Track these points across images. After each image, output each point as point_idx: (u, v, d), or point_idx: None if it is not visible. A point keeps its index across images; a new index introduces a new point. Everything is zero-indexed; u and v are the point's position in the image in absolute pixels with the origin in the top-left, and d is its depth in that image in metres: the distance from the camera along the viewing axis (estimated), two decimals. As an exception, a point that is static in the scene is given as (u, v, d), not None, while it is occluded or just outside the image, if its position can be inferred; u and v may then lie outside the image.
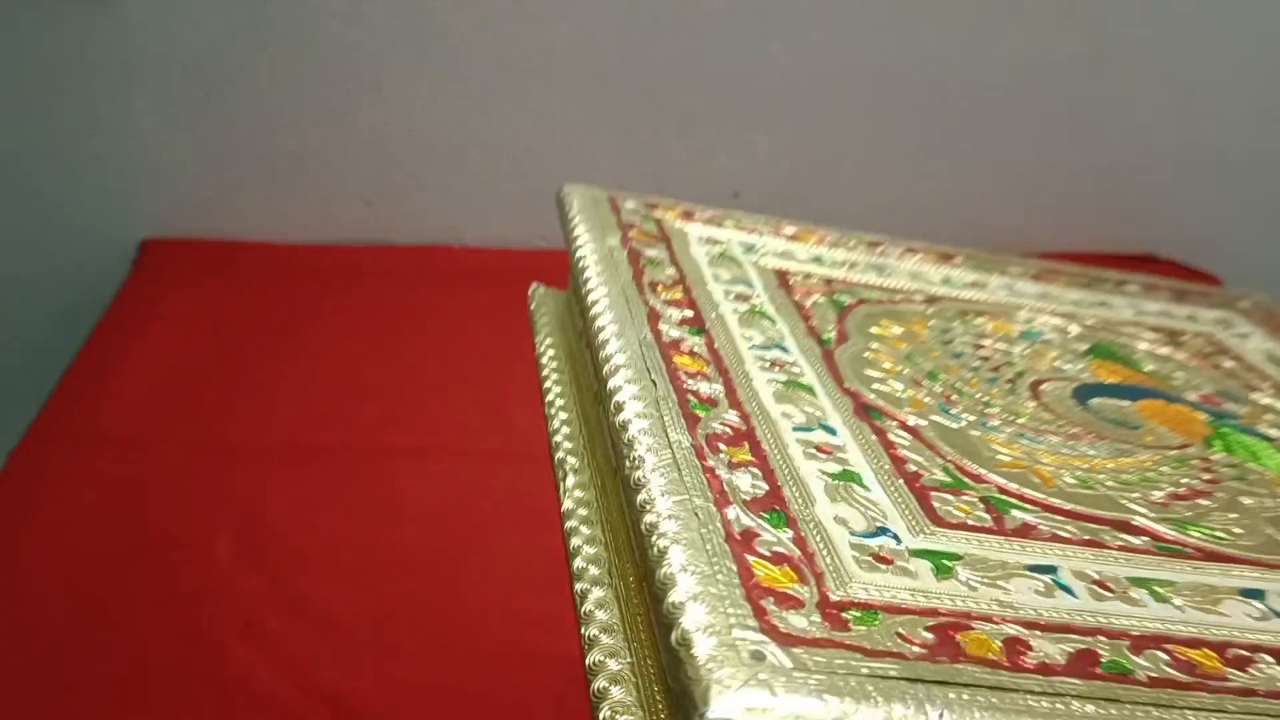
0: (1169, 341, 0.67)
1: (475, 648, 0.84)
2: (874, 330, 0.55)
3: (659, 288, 0.52)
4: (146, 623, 0.86)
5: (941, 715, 0.28)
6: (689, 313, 0.51)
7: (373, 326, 1.14)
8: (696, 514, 0.35)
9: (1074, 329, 0.63)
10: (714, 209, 0.66)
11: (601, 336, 0.47)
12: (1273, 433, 0.57)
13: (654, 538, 0.34)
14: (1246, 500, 0.47)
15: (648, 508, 0.35)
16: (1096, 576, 0.38)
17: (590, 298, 0.50)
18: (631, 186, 1.24)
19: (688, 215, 0.62)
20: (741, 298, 0.54)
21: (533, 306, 0.67)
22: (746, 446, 0.41)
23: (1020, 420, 0.50)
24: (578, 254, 0.54)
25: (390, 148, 1.19)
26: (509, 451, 1.00)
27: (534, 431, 1.06)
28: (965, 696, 0.29)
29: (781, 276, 0.58)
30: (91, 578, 0.89)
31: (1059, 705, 0.30)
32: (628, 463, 0.38)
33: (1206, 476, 0.49)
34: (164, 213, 1.24)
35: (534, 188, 1.23)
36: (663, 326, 0.49)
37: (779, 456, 0.41)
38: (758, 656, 0.29)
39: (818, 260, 0.62)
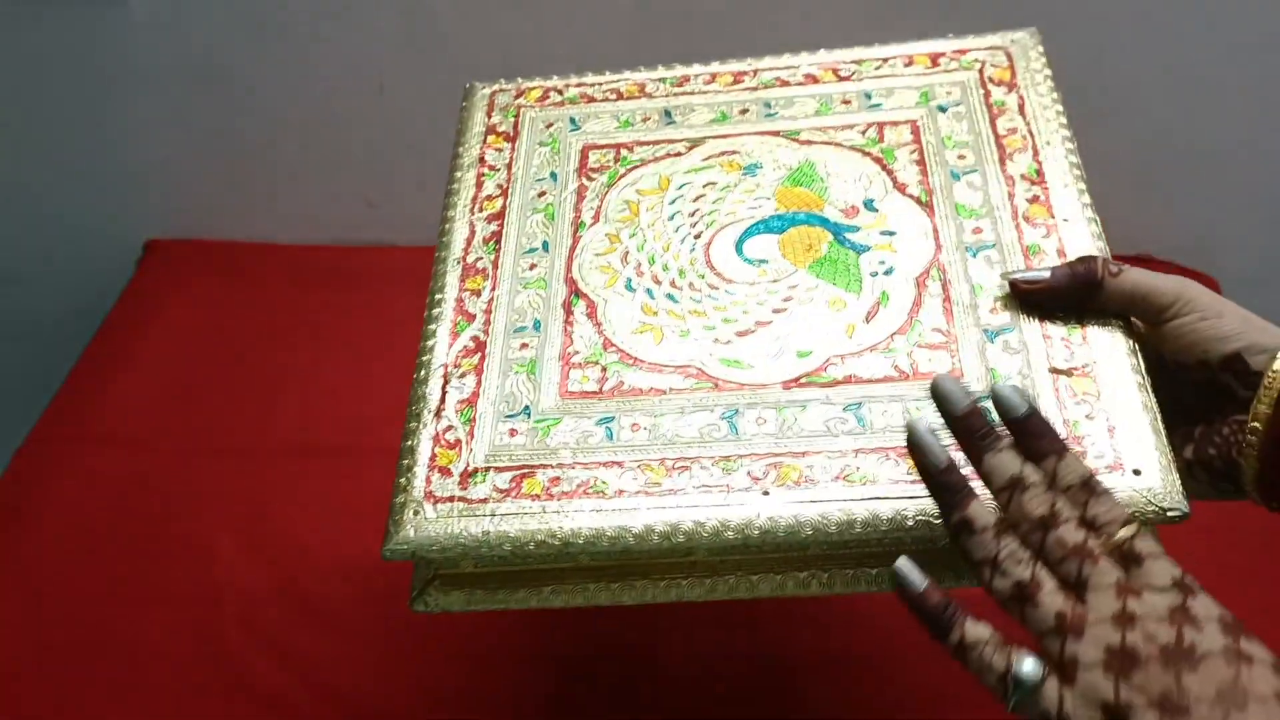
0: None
1: (475, 645, 0.85)
2: (627, 199, 0.62)
3: (484, 203, 0.64)
4: (149, 621, 0.87)
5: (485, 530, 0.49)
6: (495, 227, 0.62)
7: (374, 327, 1.14)
8: (421, 420, 0.54)
9: (788, 152, 0.63)
10: (568, 78, 0.71)
11: (434, 282, 0.63)
12: (882, 241, 0.58)
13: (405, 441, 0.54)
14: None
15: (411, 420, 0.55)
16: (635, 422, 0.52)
17: (442, 227, 0.64)
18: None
19: (543, 98, 0.69)
20: (541, 195, 0.64)
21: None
22: (477, 358, 0.57)
23: (683, 281, 0.58)
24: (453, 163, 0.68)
25: (391, 148, 1.19)
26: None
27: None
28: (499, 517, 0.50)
29: (583, 156, 0.65)
30: (94, 576, 0.90)
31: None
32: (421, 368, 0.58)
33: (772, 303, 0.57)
34: (168, 213, 1.25)
35: (534, 188, 1.24)
36: (473, 248, 0.62)
37: (493, 360, 0.56)
38: (415, 511, 0.50)
39: (624, 123, 0.67)
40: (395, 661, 0.84)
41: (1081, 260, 0.52)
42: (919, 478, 0.45)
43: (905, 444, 0.46)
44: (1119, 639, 0.39)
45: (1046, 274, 0.52)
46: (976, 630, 0.42)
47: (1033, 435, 0.44)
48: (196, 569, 0.90)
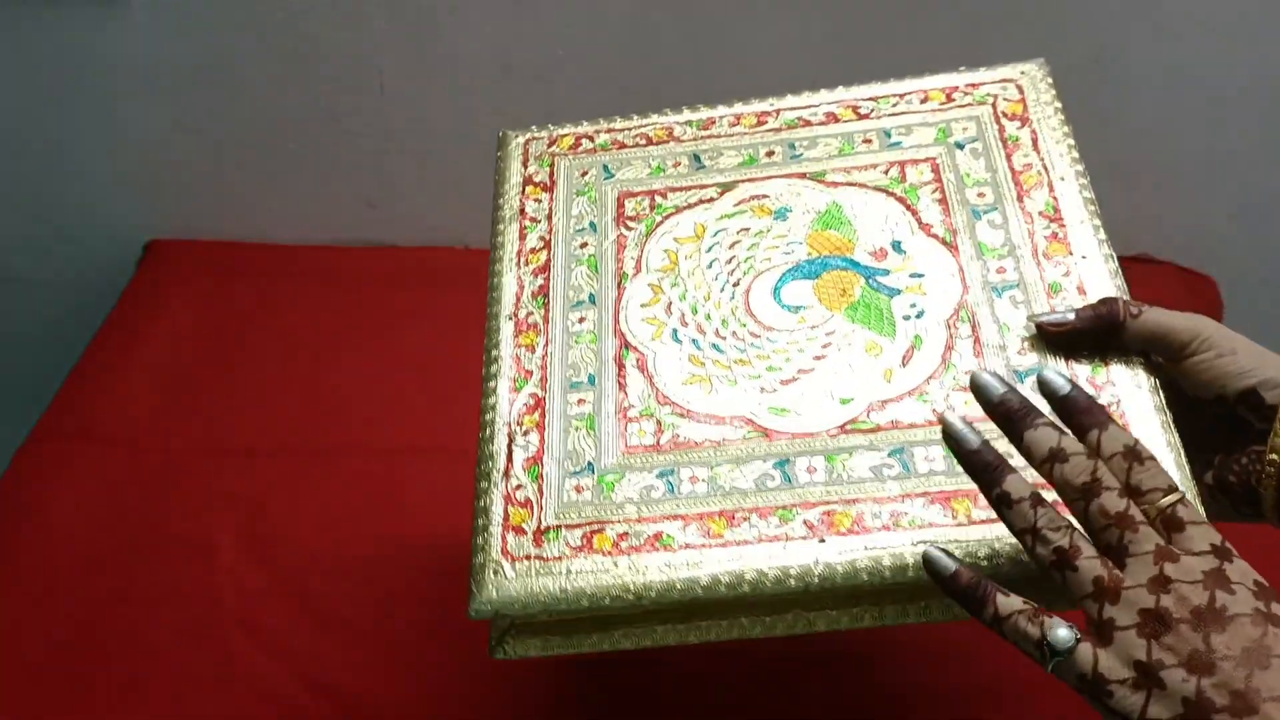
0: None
1: (475, 645, 0.85)
2: (666, 248, 0.64)
3: (529, 256, 0.66)
4: (149, 620, 0.87)
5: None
6: (541, 280, 0.64)
7: (374, 327, 1.14)
8: (492, 480, 0.56)
9: (816, 195, 0.64)
10: (598, 123, 0.72)
11: (488, 339, 0.65)
12: (911, 284, 0.59)
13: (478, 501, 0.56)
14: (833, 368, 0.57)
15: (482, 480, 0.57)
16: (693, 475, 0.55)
17: (491, 281, 0.68)
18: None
19: (575, 146, 0.70)
20: (584, 245, 0.65)
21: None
22: (537, 414, 0.58)
23: (726, 330, 0.60)
24: (495, 214, 0.72)
25: (391, 149, 1.19)
26: (509, 451, 1.01)
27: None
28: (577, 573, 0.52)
29: (620, 204, 0.66)
30: (95, 576, 0.90)
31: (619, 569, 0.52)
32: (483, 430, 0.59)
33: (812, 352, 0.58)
34: (168, 213, 1.25)
35: (534, 189, 1.23)
36: (522, 303, 0.64)
37: (553, 416, 0.58)
38: (495, 571, 0.53)
39: (656, 169, 0.68)
40: (395, 661, 0.84)
41: (1103, 302, 0.55)
42: (961, 469, 0.47)
43: (941, 436, 0.48)
44: (1154, 602, 0.40)
45: (1071, 316, 0.54)
46: (1009, 602, 0.44)
47: (1078, 411, 0.46)
48: (196, 569, 0.90)
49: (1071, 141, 0.64)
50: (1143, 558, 0.41)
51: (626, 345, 0.60)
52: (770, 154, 0.68)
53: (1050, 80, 0.67)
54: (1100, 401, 0.47)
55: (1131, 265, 1.28)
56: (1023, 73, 0.68)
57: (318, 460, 0.99)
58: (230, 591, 0.89)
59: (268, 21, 1.09)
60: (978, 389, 0.47)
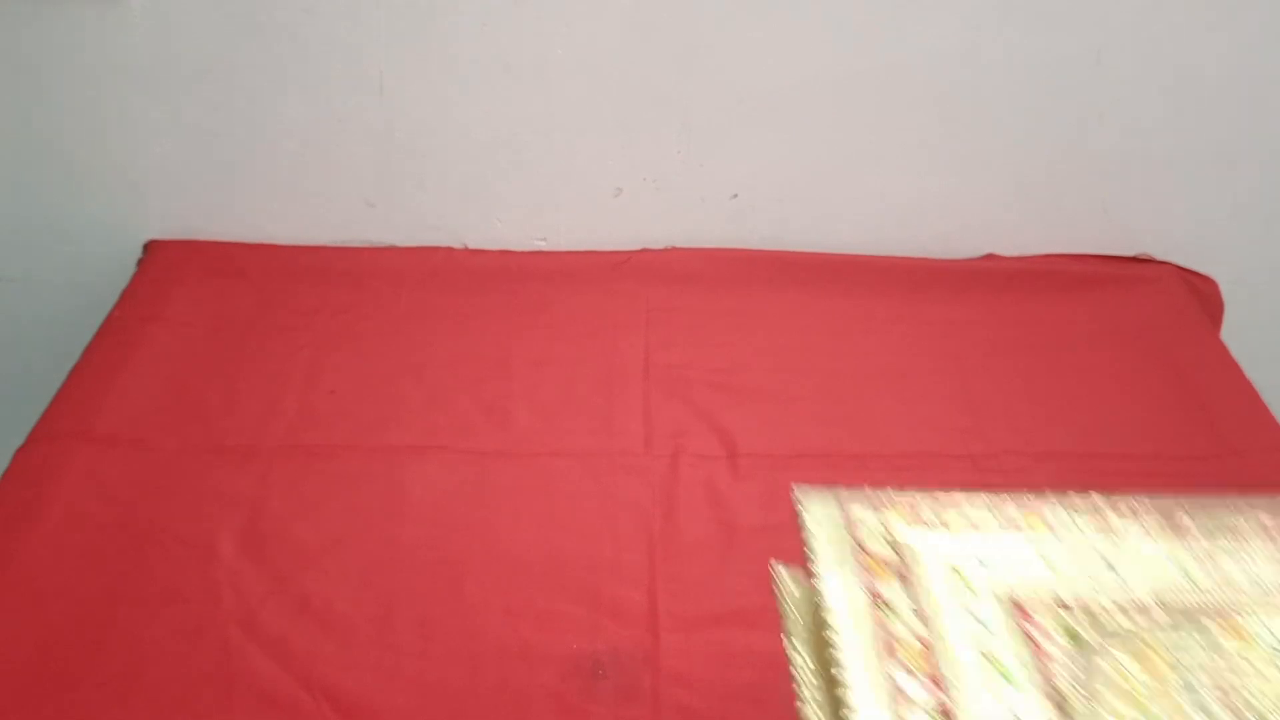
0: None
1: (475, 644, 0.84)
2: (1116, 683, 0.51)
3: (898, 649, 0.53)
4: (150, 619, 0.87)
5: None
6: (932, 698, 0.50)
7: (373, 327, 1.14)
8: None
9: None
10: (936, 500, 0.63)
11: None
12: None
13: None
14: None
15: None
16: None
17: (840, 675, 0.52)
18: (631, 188, 1.25)
19: (915, 518, 0.61)
20: (985, 655, 0.53)
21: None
22: None
23: None
24: (824, 599, 0.57)
25: (391, 149, 1.19)
26: (509, 451, 1.01)
27: (534, 431, 1.08)
28: None
29: (1019, 610, 0.56)
30: (95, 575, 0.90)
31: None
32: None
33: None
34: (168, 214, 1.25)
35: (534, 188, 1.23)
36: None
37: None
38: None
39: (1049, 565, 0.59)
40: (395, 661, 0.84)
41: None
42: None
43: None
44: None
45: None
46: None
47: None
48: (196, 566, 0.90)
49: None
50: None
51: None
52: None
53: None
54: None
55: (1132, 265, 1.28)
56: None
57: (318, 460, 0.99)
58: (230, 589, 0.88)
59: (268, 23, 1.09)
60: None
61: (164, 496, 0.96)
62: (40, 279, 1.29)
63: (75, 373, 1.08)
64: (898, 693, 0.51)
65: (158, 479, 0.97)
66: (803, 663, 0.59)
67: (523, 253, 1.26)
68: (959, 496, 0.64)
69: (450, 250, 1.26)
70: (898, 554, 0.60)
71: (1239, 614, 0.54)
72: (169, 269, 1.21)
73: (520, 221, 1.26)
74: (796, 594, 0.64)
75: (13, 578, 0.90)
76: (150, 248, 1.25)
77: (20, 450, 1.00)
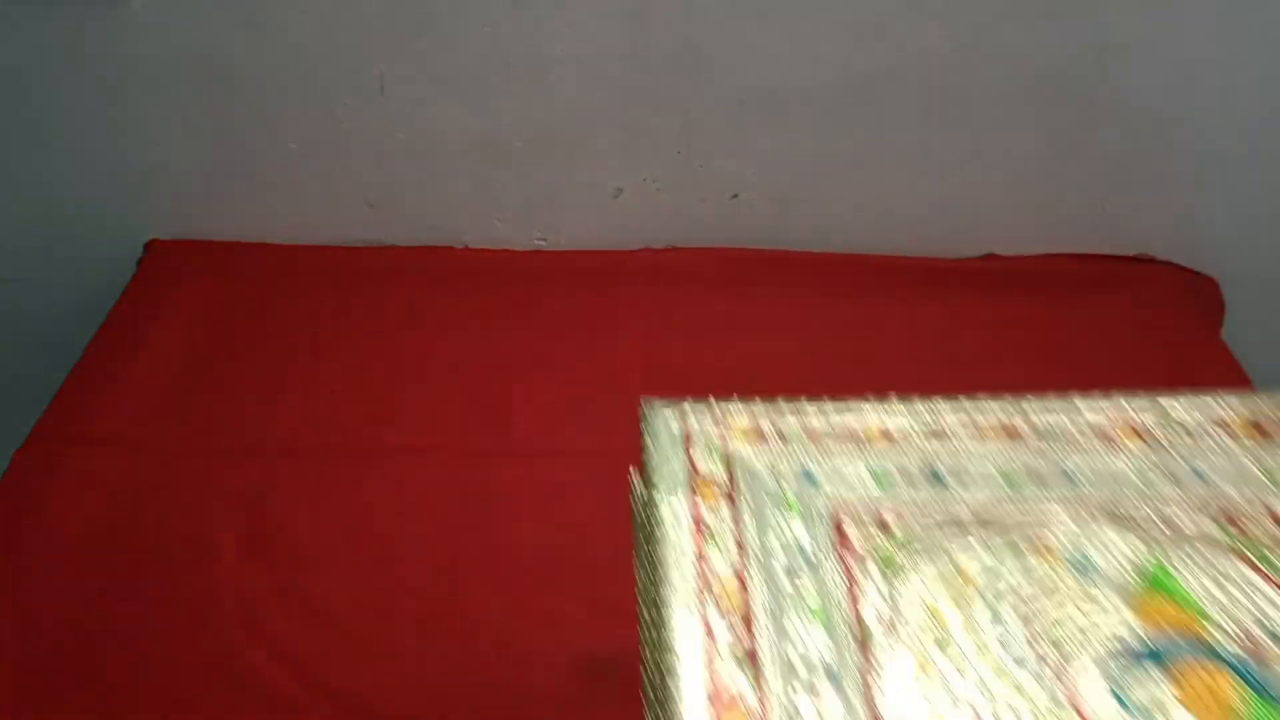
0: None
1: (475, 644, 0.85)
2: (924, 599, 0.49)
3: (714, 584, 0.49)
4: (150, 620, 0.87)
5: None
6: (746, 643, 0.47)
7: (374, 326, 1.14)
8: None
9: (1128, 546, 0.50)
10: (778, 408, 0.60)
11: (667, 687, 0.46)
12: None
13: None
14: None
15: None
16: None
17: (661, 613, 0.49)
18: (631, 187, 1.25)
19: (754, 430, 0.57)
20: (798, 590, 0.49)
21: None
22: None
23: None
24: (655, 529, 0.53)
25: (391, 149, 1.19)
26: (509, 451, 1.01)
27: (533, 431, 1.08)
28: None
29: (837, 529, 0.52)
30: (96, 576, 0.90)
31: None
32: None
33: None
34: (169, 214, 1.25)
35: (534, 188, 1.23)
36: (718, 670, 0.46)
37: None
38: None
39: (876, 479, 0.55)
40: (395, 661, 0.84)
41: None
42: None
43: None
44: None
45: None
46: None
47: None
48: (197, 567, 0.90)
49: None
50: None
51: None
52: (1037, 477, 0.53)
53: None
54: None
55: (1132, 265, 1.28)
56: None
57: (318, 460, 0.99)
58: (231, 589, 0.88)
59: (268, 23, 1.09)
60: None
61: (164, 497, 0.96)
62: (40, 279, 1.29)
63: (75, 373, 1.08)
64: (708, 635, 0.47)
65: (158, 479, 0.98)
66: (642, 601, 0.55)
67: (523, 253, 1.26)
68: (805, 404, 0.60)
69: (450, 250, 1.26)
70: (729, 473, 0.55)
71: (1049, 526, 0.51)
72: (169, 269, 1.21)
73: (520, 221, 1.26)
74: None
75: (13, 578, 0.90)
76: (150, 248, 1.25)
77: (20, 450, 1.00)
